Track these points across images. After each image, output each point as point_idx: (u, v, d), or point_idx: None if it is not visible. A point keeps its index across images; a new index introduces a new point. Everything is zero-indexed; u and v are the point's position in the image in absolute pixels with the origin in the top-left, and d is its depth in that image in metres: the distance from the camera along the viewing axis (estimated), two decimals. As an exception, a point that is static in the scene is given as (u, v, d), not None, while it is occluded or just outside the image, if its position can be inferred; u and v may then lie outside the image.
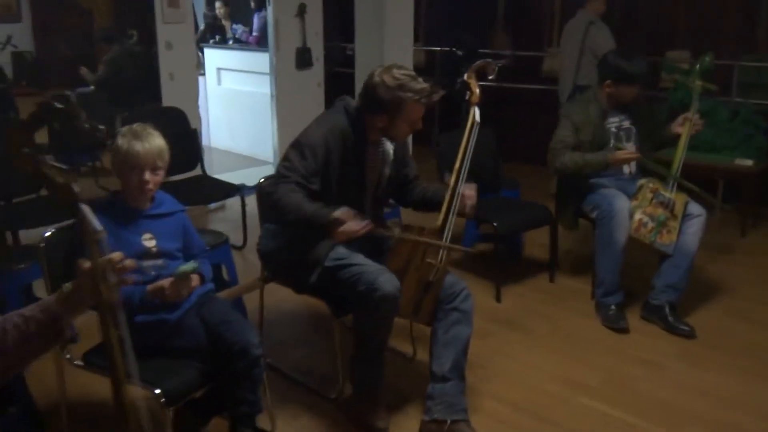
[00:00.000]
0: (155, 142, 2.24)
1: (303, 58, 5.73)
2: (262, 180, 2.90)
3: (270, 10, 5.56)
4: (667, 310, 3.32)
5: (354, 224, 2.35)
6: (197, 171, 4.57)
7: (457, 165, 2.61)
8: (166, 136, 4.32)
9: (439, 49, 6.92)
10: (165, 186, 4.25)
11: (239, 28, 7.57)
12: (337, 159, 2.49)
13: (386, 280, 2.35)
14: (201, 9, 8.73)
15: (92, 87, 6.83)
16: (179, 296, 2.19)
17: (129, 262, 1.45)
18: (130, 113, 4.39)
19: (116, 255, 1.45)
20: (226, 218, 5.13)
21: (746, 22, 5.56)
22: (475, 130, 2.66)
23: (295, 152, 2.46)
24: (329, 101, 6.41)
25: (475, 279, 3.90)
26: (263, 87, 6.09)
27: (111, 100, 6.47)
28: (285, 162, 2.47)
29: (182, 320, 2.23)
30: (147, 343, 2.21)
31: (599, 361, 3.07)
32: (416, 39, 7.24)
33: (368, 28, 6.38)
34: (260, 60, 6.35)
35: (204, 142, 7.30)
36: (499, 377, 2.94)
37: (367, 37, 6.39)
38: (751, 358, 3.10)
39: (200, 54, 7.61)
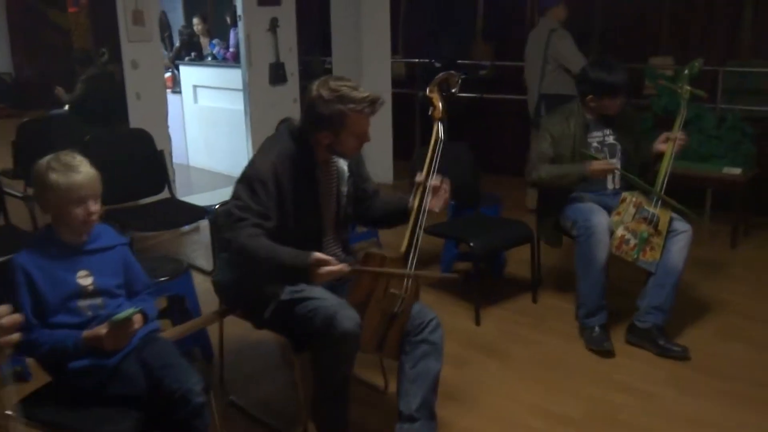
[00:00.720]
0: (89, 170, 2.07)
1: (277, 74, 5.57)
2: (217, 206, 2.73)
3: (241, 26, 5.40)
4: (655, 333, 3.14)
5: (334, 265, 2.14)
6: (165, 194, 4.39)
7: (420, 178, 2.42)
8: (132, 158, 4.22)
9: (417, 60, 6.76)
10: (133, 210, 4.15)
11: (216, 44, 7.42)
12: (289, 187, 2.31)
13: (345, 315, 2.16)
14: (178, 27, 8.59)
15: (66, 108, 6.67)
16: (117, 345, 2.01)
17: (11, 318, 1.26)
18: (92, 136, 4.19)
19: (2, 309, 1.26)
20: (199, 241, 4.94)
21: (730, 27, 5.42)
22: (439, 147, 2.48)
23: (245, 188, 2.28)
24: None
25: (453, 300, 3.72)
26: (239, 104, 5.93)
27: (85, 120, 6.27)
28: (236, 201, 2.28)
29: (121, 365, 2.04)
30: (82, 389, 2.03)
31: (583, 390, 2.88)
32: (396, 51, 7.12)
33: (345, 41, 6.27)
34: (235, 76, 6.16)
35: (182, 161, 7.15)
36: (475, 411, 2.74)
37: (344, 51, 6.28)
38: (748, 382, 2.92)
39: (176, 72, 7.46)
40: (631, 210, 3.24)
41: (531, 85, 5.26)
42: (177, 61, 7.44)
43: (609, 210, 3.31)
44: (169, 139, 5.06)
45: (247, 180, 2.29)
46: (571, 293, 3.55)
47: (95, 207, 2.07)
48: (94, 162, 3.59)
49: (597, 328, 3.21)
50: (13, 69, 10.27)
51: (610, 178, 3.47)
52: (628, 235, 3.21)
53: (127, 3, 4.67)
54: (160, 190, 4.35)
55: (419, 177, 2.43)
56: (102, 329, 1.98)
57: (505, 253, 4.15)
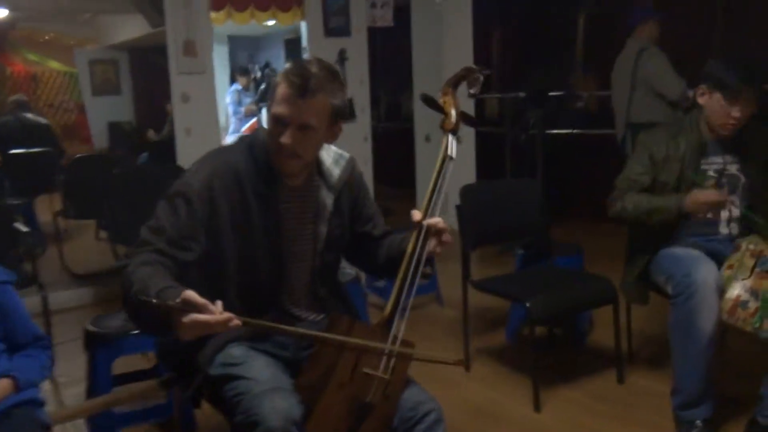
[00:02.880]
0: None
1: (344, 110, 5.08)
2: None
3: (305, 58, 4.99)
4: (783, 435, 2.22)
5: (208, 315, 1.39)
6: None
7: (418, 216, 1.71)
8: (156, 197, 3.83)
9: (500, 95, 6.14)
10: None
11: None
12: (229, 212, 1.70)
13: (272, 408, 1.50)
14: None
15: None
16: None
17: None
18: (119, 172, 3.86)
19: None
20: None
21: None
22: (447, 167, 1.78)
23: (167, 205, 1.68)
24: (380, 156, 5.74)
25: (511, 372, 2.93)
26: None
27: (161, 162, 6.08)
28: (152, 220, 1.70)
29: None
30: None
31: None
32: (489, 87, 6.53)
33: (426, 76, 5.79)
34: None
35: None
36: None
37: (425, 86, 5.74)
38: None
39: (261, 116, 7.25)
40: (748, 261, 2.36)
41: (618, 114, 4.59)
42: (261, 104, 7.23)
43: (720, 261, 2.44)
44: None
45: (171, 194, 1.69)
46: (670, 369, 2.65)
47: None
48: (113, 198, 3.09)
49: (698, 423, 2.33)
50: (133, 118, 10.74)
51: (724, 220, 2.60)
52: (745, 296, 2.31)
53: (177, 33, 4.38)
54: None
55: (416, 215, 1.73)
56: None
57: (590, 314, 3.33)
